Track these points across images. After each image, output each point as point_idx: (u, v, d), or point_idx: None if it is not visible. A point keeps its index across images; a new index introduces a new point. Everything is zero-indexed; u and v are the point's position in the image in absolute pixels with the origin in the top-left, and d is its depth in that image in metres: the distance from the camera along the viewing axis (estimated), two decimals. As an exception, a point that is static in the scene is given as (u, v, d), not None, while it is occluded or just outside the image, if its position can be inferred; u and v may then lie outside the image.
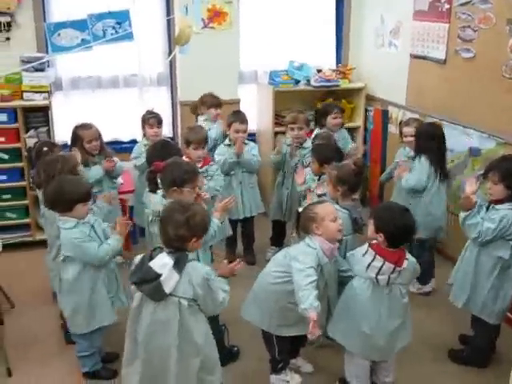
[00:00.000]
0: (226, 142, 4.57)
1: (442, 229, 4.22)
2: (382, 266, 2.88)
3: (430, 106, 4.88)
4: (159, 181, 3.39)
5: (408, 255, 2.99)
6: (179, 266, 2.57)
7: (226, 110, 4.91)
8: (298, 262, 2.93)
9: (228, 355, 3.44)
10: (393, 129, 5.41)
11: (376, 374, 3.20)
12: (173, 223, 2.60)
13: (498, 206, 3.27)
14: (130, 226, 3.35)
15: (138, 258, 2.72)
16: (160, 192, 3.42)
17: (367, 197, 5.60)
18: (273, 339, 3.20)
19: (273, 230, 4.94)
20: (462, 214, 3.33)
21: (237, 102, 5.55)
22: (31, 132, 4.74)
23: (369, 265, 2.92)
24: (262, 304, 3.12)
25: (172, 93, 5.72)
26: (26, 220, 4.98)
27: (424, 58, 4.94)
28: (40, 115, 4.81)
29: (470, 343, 3.59)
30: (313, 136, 4.69)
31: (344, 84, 5.70)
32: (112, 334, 3.58)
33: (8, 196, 4.89)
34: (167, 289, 2.56)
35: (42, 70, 4.72)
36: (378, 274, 2.90)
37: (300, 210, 3.15)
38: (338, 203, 3.40)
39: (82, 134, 4.24)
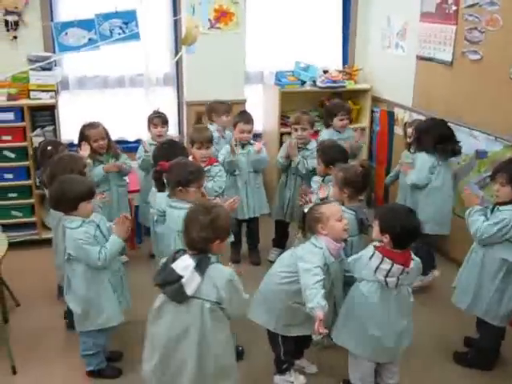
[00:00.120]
0: (232, 142, 4.57)
1: (448, 224, 4.20)
2: (390, 268, 2.86)
3: (436, 107, 4.87)
4: (165, 180, 3.40)
5: (413, 255, 2.98)
6: (201, 267, 2.54)
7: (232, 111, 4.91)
8: (304, 262, 2.93)
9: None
10: (399, 130, 5.40)
11: (380, 376, 3.18)
12: (197, 225, 2.57)
13: (501, 207, 3.27)
14: (128, 226, 3.28)
15: (163, 261, 2.72)
16: (165, 192, 3.44)
17: (372, 198, 5.60)
18: (278, 339, 3.21)
19: (275, 231, 4.94)
20: (467, 211, 3.35)
21: (243, 102, 5.55)
22: (37, 131, 4.76)
23: (377, 268, 2.89)
24: (268, 304, 3.12)
25: (178, 93, 5.73)
26: (32, 218, 4.99)
27: (431, 59, 4.92)
28: (46, 114, 4.82)
29: (474, 346, 3.58)
30: (319, 141, 4.68)
31: (350, 85, 5.70)
32: (117, 333, 3.59)
33: (14, 194, 4.89)
34: (189, 291, 2.54)
35: (49, 69, 4.74)
36: (386, 276, 2.88)
37: (306, 210, 3.15)
38: (343, 205, 3.40)
39: (88, 133, 4.28)
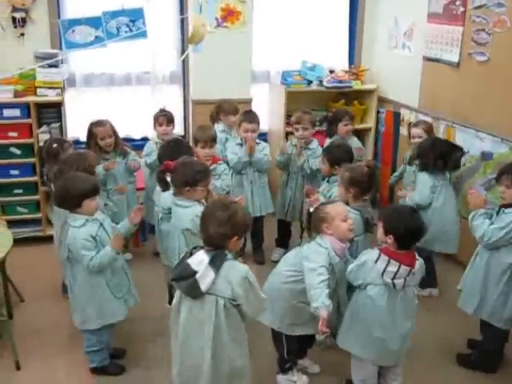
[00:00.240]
0: (238, 141, 4.58)
1: (454, 242, 4.17)
2: (398, 270, 2.85)
3: (442, 108, 4.86)
4: (169, 179, 3.40)
5: (416, 255, 2.98)
6: (215, 263, 2.52)
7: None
8: (309, 262, 2.94)
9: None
10: (404, 131, 5.39)
11: (384, 378, 3.17)
12: (215, 221, 2.55)
13: (507, 210, 3.26)
14: (122, 241, 3.28)
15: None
16: (170, 190, 3.44)
17: (377, 198, 5.58)
18: (282, 338, 3.21)
19: (278, 230, 4.94)
20: (471, 215, 3.33)
21: (249, 101, 5.55)
22: (44, 128, 4.78)
23: (384, 270, 2.87)
24: (273, 303, 3.11)
25: (184, 91, 5.73)
26: (37, 215, 5.01)
27: (437, 60, 4.92)
28: (53, 111, 4.84)
29: (478, 348, 3.58)
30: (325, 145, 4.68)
31: (356, 85, 5.69)
32: (120, 330, 3.61)
33: (20, 191, 4.92)
34: (203, 286, 2.52)
35: (55, 66, 4.75)
36: (394, 278, 2.87)
37: (311, 209, 3.15)
38: (347, 204, 3.39)
39: (95, 131, 4.32)
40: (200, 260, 2.54)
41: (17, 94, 4.71)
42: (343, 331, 3.11)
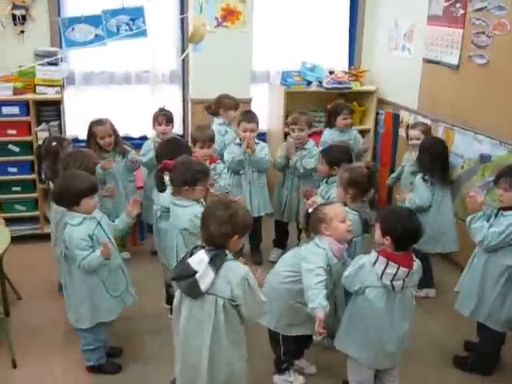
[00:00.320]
0: (237, 141, 4.58)
1: (455, 241, 4.20)
2: (396, 272, 2.84)
3: (441, 111, 4.86)
4: (167, 179, 3.40)
5: (413, 256, 2.98)
6: (215, 263, 2.51)
7: (237, 110, 4.92)
8: (307, 262, 2.94)
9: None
10: (403, 133, 5.39)
11: (380, 380, 3.16)
12: (215, 220, 2.55)
13: (506, 213, 3.26)
14: (109, 249, 3.23)
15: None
16: (169, 189, 3.44)
17: (375, 200, 5.58)
18: (279, 339, 3.21)
19: (275, 231, 4.95)
20: (468, 218, 3.33)
21: (248, 101, 5.55)
22: (43, 125, 4.77)
23: (383, 273, 2.86)
24: (271, 303, 3.09)
25: (184, 91, 5.73)
26: (35, 213, 5.01)
27: (437, 62, 4.92)
28: (52, 109, 4.84)
29: (475, 350, 3.58)
30: (322, 141, 4.68)
31: (356, 86, 5.70)
32: (117, 329, 3.60)
33: (18, 188, 4.91)
34: (203, 286, 2.51)
35: (55, 64, 4.75)
36: (392, 280, 2.86)
37: (310, 210, 3.15)
38: (346, 205, 3.39)
39: (95, 130, 4.33)
40: (200, 260, 2.53)
41: (16, 92, 4.71)
42: (341, 334, 3.11)
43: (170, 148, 3.85)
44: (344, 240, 3.05)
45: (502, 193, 3.27)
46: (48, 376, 3.40)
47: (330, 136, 4.96)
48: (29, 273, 4.41)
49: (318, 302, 2.78)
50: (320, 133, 5.23)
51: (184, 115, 5.78)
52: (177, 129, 5.35)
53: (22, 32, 4.96)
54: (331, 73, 5.64)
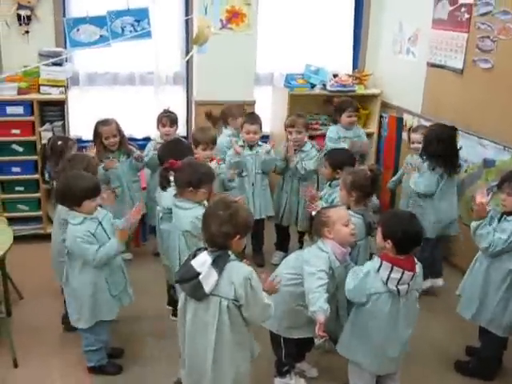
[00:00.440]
0: (240, 143, 4.58)
1: (454, 224, 4.20)
2: (401, 276, 2.84)
3: (445, 115, 4.85)
4: (172, 178, 3.40)
5: (415, 259, 2.97)
6: (218, 264, 2.50)
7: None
8: (309, 266, 2.94)
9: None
10: (406, 136, 5.40)
11: (381, 384, 3.17)
12: (216, 220, 2.54)
13: (509, 217, 3.25)
14: (130, 233, 3.30)
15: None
16: (171, 189, 3.44)
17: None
18: (281, 342, 3.20)
19: (276, 234, 4.94)
20: (474, 224, 3.31)
21: (252, 103, 5.55)
22: (46, 125, 4.78)
23: (388, 278, 2.85)
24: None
25: (187, 92, 5.73)
26: (38, 213, 5.01)
27: (441, 66, 4.92)
28: (56, 109, 4.86)
29: (476, 355, 3.57)
30: (326, 137, 4.68)
31: (360, 90, 5.69)
32: (119, 329, 3.60)
33: (21, 188, 4.92)
34: (207, 287, 2.50)
35: (59, 64, 4.76)
36: (398, 284, 2.85)
37: (314, 213, 3.15)
38: (349, 208, 3.39)
39: (100, 131, 4.35)
40: (203, 261, 2.52)
41: (20, 92, 4.72)
42: (344, 340, 3.10)
43: (172, 149, 3.86)
44: (347, 243, 3.05)
45: (506, 197, 3.26)
46: (49, 376, 3.40)
47: (334, 132, 4.98)
48: (31, 273, 4.41)
49: (318, 305, 2.78)
50: (324, 136, 5.23)
51: (188, 117, 5.78)
52: (180, 130, 5.35)
53: (27, 32, 4.98)
54: (335, 76, 5.63)
